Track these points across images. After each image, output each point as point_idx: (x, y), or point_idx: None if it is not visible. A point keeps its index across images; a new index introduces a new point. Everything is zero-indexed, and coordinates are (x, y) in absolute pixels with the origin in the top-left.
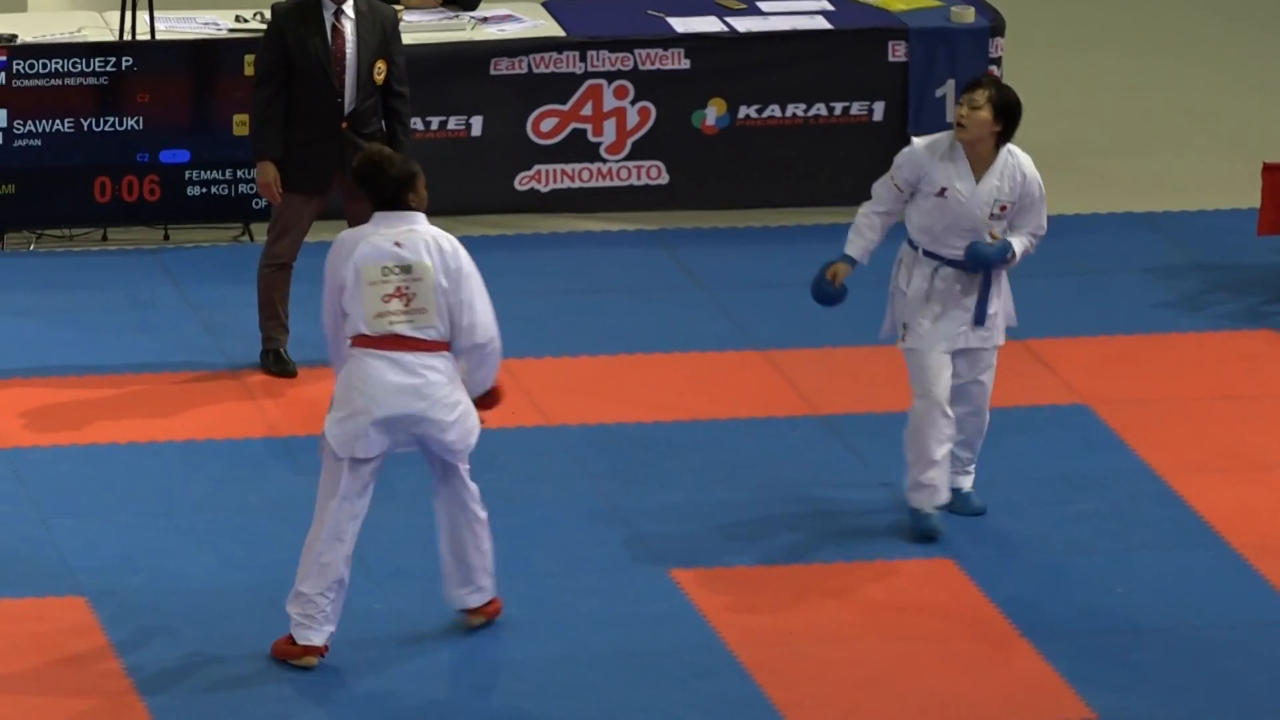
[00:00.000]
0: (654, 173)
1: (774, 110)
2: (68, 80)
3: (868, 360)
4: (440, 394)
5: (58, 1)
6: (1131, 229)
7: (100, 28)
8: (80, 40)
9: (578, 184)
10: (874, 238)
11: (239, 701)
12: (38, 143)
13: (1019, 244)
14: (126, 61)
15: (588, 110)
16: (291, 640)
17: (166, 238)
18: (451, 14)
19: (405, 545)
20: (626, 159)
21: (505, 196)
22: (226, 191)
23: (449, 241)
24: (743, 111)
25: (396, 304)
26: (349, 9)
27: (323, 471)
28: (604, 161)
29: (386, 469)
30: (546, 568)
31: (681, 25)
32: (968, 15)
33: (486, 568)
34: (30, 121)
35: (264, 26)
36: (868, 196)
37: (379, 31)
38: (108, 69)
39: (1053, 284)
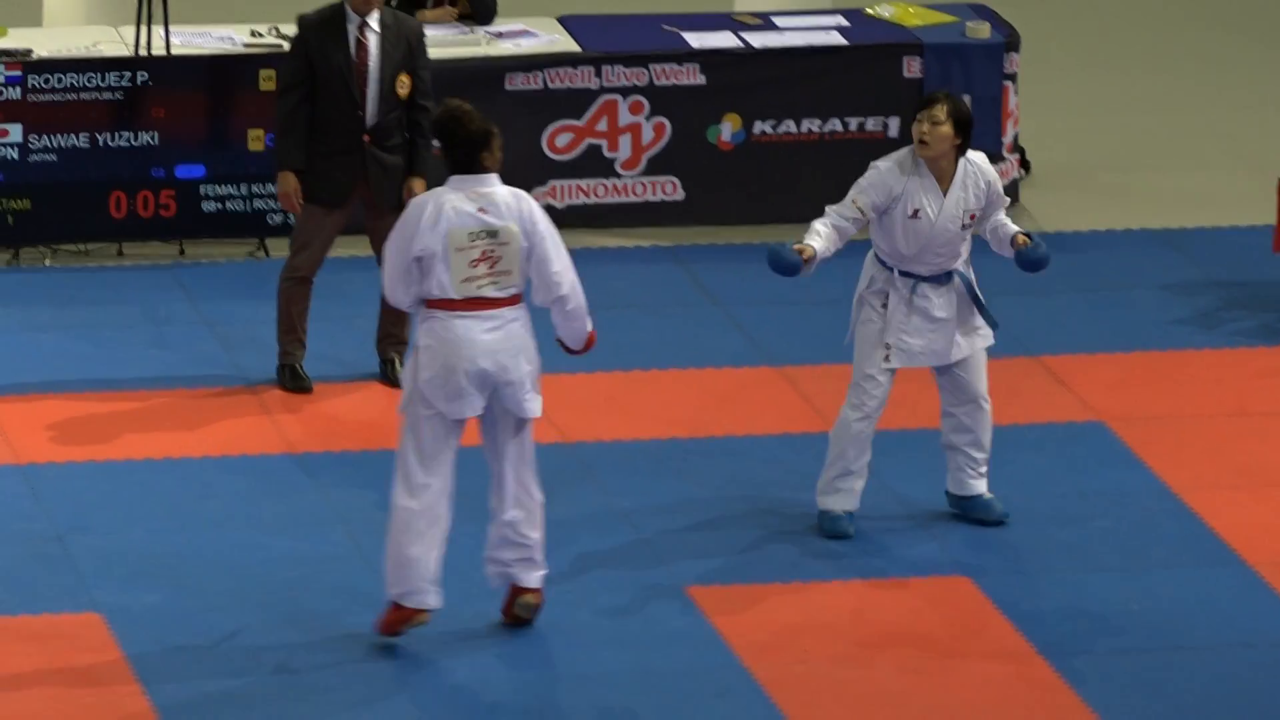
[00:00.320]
0: (669, 188)
1: (789, 126)
2: (83, 95)
3: None
4: (521, 343)
5: (73, 16)
6: (1148, 246)
7: (115, 43)
8: (96, 55)
9: (593, 200)
10: (830, 247)
11: (257, 718)
12: (53, 158)
13: (1013, 225)
14: (142, 76)
15: (603, 125)
16: (397, 607)
17: (182, 253)
18: (467, 29)
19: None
20: (642, 175)
21: None
22: (242, 207)
23: (526, 200)
24: (758, 127)
25: (483, 268)
26: (374, 22)
27: (408, 423)
28: (619, 177)
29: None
30: (562, 584)
31: (697, 40)
32: (983, 31)
33: (542, 545)
34: (46, 136)
35: (279, 42)
36: None
37: (403, 45)
38: (123, 84)
39: (1069, 301)
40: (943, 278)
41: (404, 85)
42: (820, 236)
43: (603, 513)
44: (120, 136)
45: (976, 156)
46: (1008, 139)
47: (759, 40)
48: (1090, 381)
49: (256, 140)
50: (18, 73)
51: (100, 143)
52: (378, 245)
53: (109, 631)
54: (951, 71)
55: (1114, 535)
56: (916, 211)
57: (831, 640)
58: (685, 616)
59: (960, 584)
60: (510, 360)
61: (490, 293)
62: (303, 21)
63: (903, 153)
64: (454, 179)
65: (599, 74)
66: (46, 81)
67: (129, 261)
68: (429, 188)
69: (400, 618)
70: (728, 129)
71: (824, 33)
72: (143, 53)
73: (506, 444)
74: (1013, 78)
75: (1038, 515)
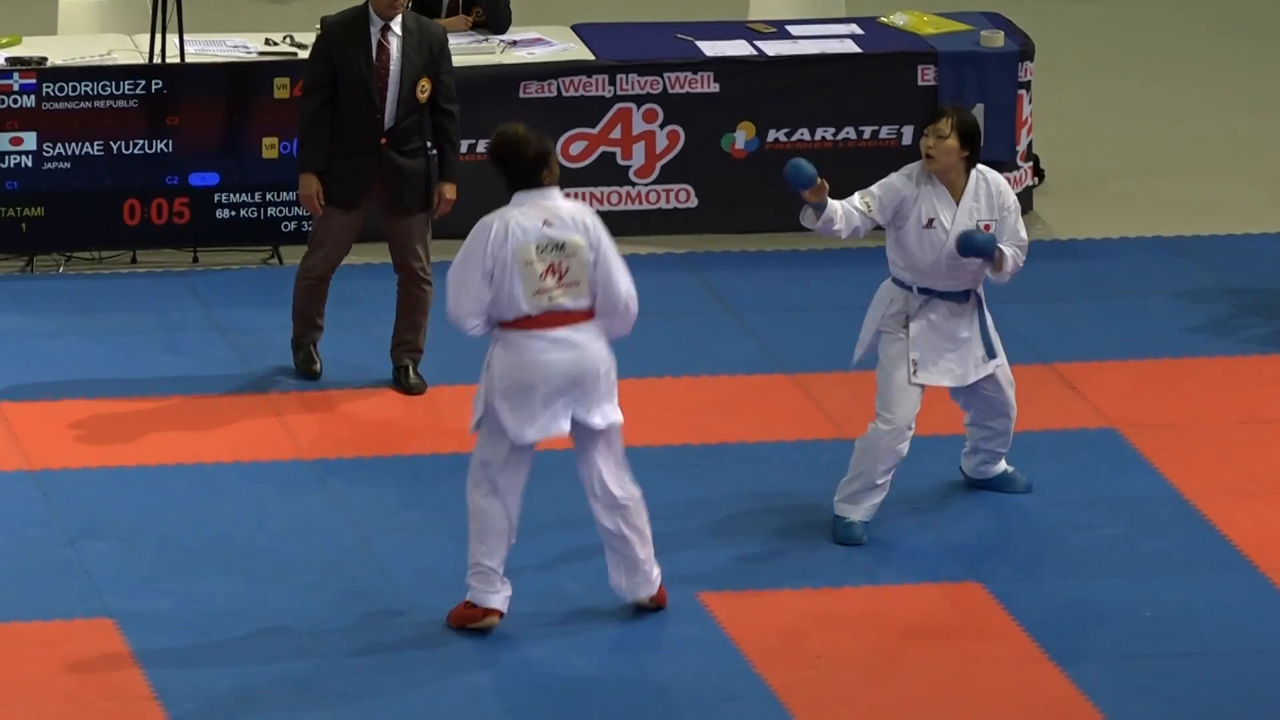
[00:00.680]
0: (683, 196)
1: (803, 134)
2: (97, 103)
3: None
4: (597, 363)
5: (87, 24)
6: (1160, 253)
7: (130, 50)
8: (110, 63)
9: (607, 207)
10: (839, 210)
11: None
12: (67, 165)
13: (1008, 249)
14: (156, 84)
15: (617, 134)
16: (469, 605)
17: (196, 260)
18: (481, 37)
19: (427, 544)
20: (655, 182)
21: None
22: (256, 214)
23: (590, 215)
24: (772, 135)
25: (551, 280)
26: (396, 26)
27: (484, 447)
28: (633, 185)
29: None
30: (574, 590)
31: (711, 49)
32: (997, 40)
33: (650, 553)
34: (60, 144)
35: (293, 50)
36: None
37: (425, 50)
38: (137, 92)
39: (1082, 308)
40: (961, 296)
41: (424, 90)
42: (836, 202)
43: None
44: (134, 144)
45: (991, 173)
46: (1021, 147)
47: (773, 49)
48: (1103, 388)
49: (271, 148)
50: (32, 81)
51: (114, 150)
52: (395, 249)
53: (121, 636)
54: (965, 80)
55: (1126, 541)
56: (931, 221)
57: (842, 646)
58: (696, 622)
59: (972, 589)
60: (588, 381)
61: (565, 303)
62: (325, 23)
63: (914, 166)
64: (517, 196)
65: (613, 82)
66: (61, 90)
67: (143, 269)
68: (458, 191)
69: (470, 616)
70: (741, 137)
71: (838, 41)
72: (157, 61)
73: (593, 451)
74: (1026, 86)
75: (1050, 521)
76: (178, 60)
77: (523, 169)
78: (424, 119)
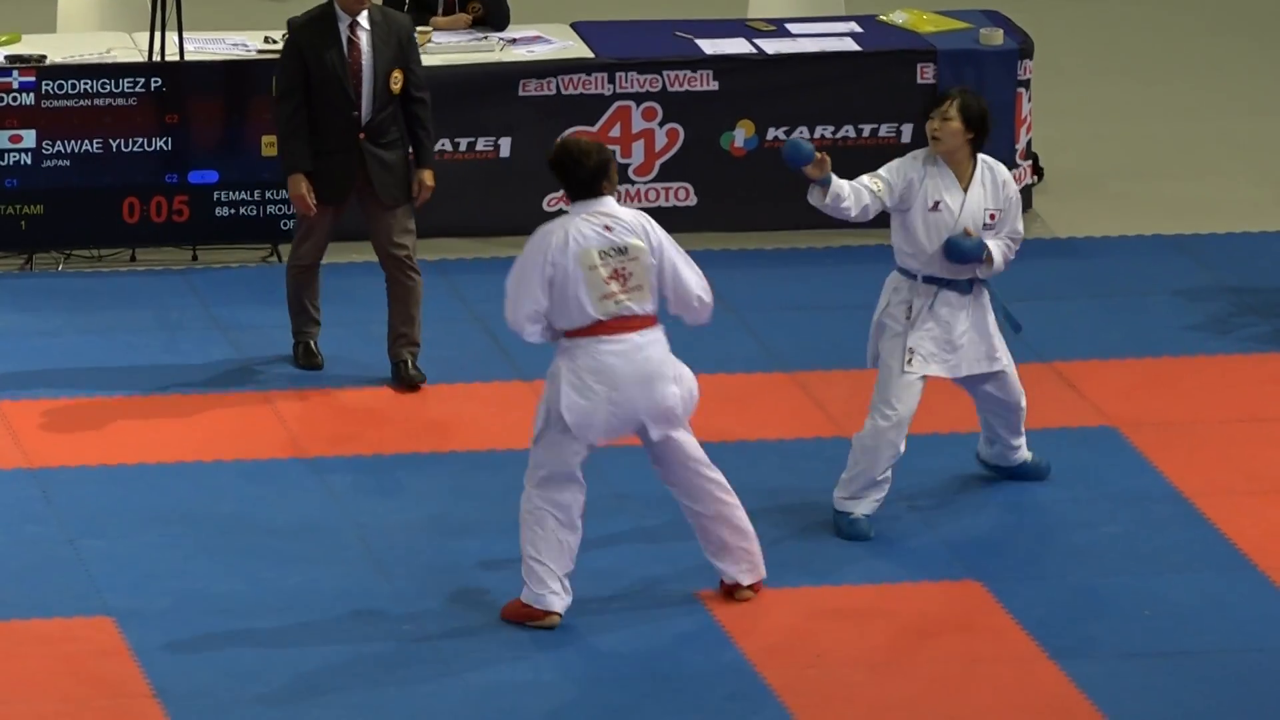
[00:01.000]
0: (682, 194)
1: (802, 132)
2: (96, 101)
3: None
4: (664, 368)
5: (87, 22)
6: (1160, 252)
7: (129, 48)
8: (109, 61)
9: None
10: (846, 187)
11: None
12: (66, 163)
13: (997, 249)
14: (155, 82)
15: (616, 131)
16: (526, 604)
17: (195, 258)
18: (480, 35)
19: (427, 543)
20: (655, 180)
21: (534, 217)
22: (255, 212)
23: (648, 220)
24: (771, 133)
25: (616, 285)
26: (364, 20)
27: (542, 448)
28: (632, 183)
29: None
30: (574, 588)
31: (710, 47)
32: (996, 38)
33: (747, 546)
34: (59, 142)
35: None
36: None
37: (394, 42)
38: (137, 90)
39: (1081, 307)
40: (965, 286)
41: (397, 81)
42: (842, 180)
43: (613, 516)
44: (134, 142)
45: (995, 162)
46: (1021, 145)
47: (772, 47)
48: (1102, 387)
49: (270, 146)
50: (31, 78)
51: (114, 148)
52: (379, 243)
53: (120, 635)
54: (965, 78)
55: (1125, 540)
56: (937, 204)
57: (842, 644)
58: (696, 619)
59: (971, 588)
60: (658, 386)
61: (632, 308)
62: (293, 24)
63: (921, 150)
64: (576, 205)
65: (612, 80)
66: (60, 87)
67: (142, 267)
68: (436, 178)
69: (527, 615)
70: (740, 135)
71: (837, 39)
72: (156, 59)
73: (669, 451)
74: (1026, 84)
75: (1049, 519)
76: (177, 58)
77: (582, 179)
78: (397, 110)
